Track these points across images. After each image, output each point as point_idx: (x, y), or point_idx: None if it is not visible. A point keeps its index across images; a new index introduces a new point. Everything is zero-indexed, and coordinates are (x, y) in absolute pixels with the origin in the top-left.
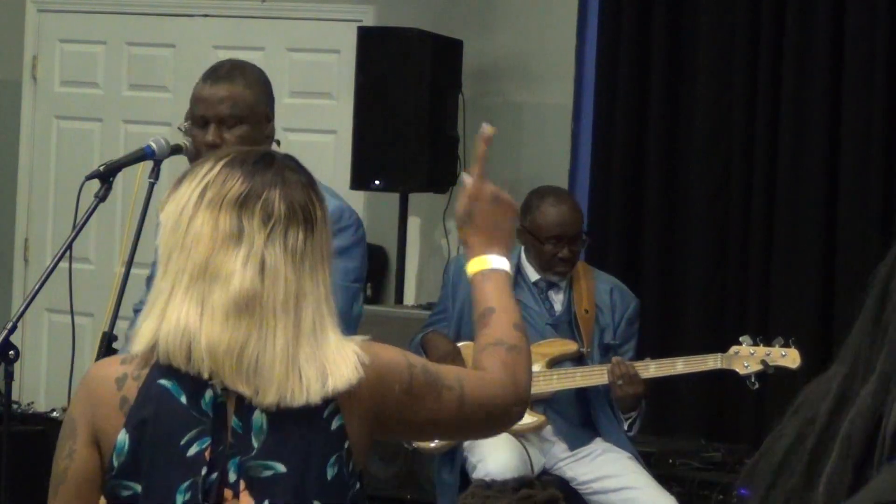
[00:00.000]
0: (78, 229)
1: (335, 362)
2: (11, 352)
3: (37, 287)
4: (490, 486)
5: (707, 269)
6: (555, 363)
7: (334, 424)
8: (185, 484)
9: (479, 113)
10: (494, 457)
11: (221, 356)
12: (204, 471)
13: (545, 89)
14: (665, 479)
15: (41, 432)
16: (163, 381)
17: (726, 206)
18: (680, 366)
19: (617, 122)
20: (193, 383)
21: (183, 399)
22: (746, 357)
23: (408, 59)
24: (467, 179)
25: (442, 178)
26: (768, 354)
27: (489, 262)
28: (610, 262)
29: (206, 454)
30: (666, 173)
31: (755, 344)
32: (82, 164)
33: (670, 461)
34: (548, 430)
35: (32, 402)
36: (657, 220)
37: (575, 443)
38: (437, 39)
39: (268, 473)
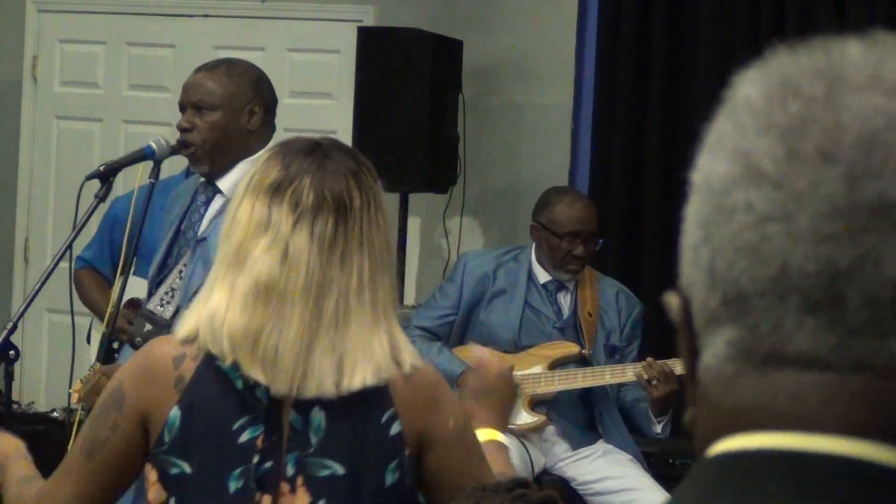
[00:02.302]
0: (78, 229)
1: (354, 357)
2: (11, 352)
3: (37, 287)
4: (485, 486)
5: None
6: (556, 365)
7: (393, 430)
8: (238, 471)
9: (479, 113)
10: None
11: (239, 342)
12: (256, 459)
13: (545, 89)
14: (665, 479)
15: (41, 432)
16: (221, 364)
17: None
18: (680, 367)
19: (617, 122)
20: None
21: (239, 384)
22: None
23: (408, 59)
24: (481, 353)
25: (442, 178)
26: None
27: (501, 438)
28: (609, 263)
29: (259, 442)
30: (666, 173)
31: None
32: (82, 164)
33: (670, 461)
34: (549, 431)
35: (32, 402)
36: (657, 220)
37: (578, 444)
38: (437, 39)
39: (325, 473)
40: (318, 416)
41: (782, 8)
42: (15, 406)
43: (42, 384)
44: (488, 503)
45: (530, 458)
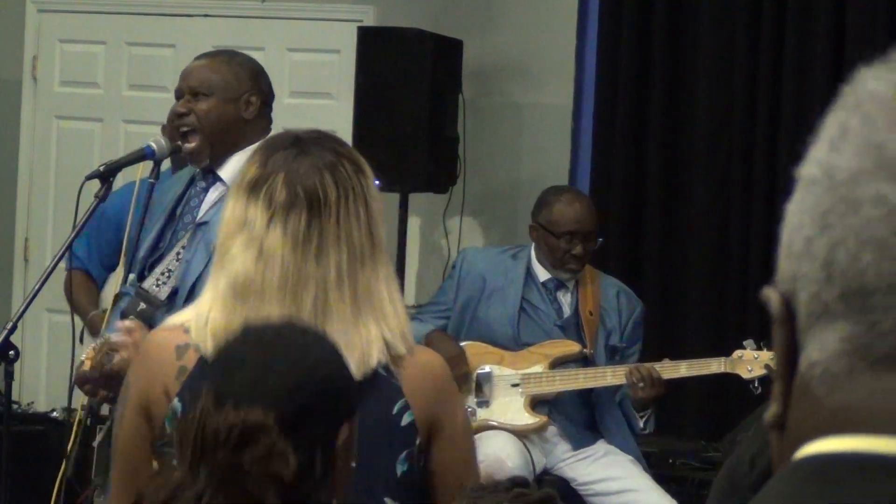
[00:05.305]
0: (78, 229)
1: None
2: (11, 352)
3: (37, 287)
4: (483, 485)
5: (708, 271)
6: (557, 364)
7: (405, 420)
8: None
9: (479, 113)
10: (496, 457)
11: (221, 341)
12: None
13: (545, 89)
14: (665, 479)
15: (41, 432)
16: None
17: (727, 206)
18: (683, 369)
19: (617, 122)
20: None
21: None
22: (750, 361)
23: (408, 59)
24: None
25: (442, 178)
26: (772, 359)
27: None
28: (610, 263)
29: None
30: (666, 173)
31: (758, 348)
32: (82, 164)
33: (670, 461)
34: (550, 431)
35: (32, 402)
36: (658, 220)
37: (579, 444)
38: (437, 39)
39: None
40: None
41: (783, 8)
42: (15, 406)
43: (42, 384)
44: (486, 502)
45: (531, 458)
